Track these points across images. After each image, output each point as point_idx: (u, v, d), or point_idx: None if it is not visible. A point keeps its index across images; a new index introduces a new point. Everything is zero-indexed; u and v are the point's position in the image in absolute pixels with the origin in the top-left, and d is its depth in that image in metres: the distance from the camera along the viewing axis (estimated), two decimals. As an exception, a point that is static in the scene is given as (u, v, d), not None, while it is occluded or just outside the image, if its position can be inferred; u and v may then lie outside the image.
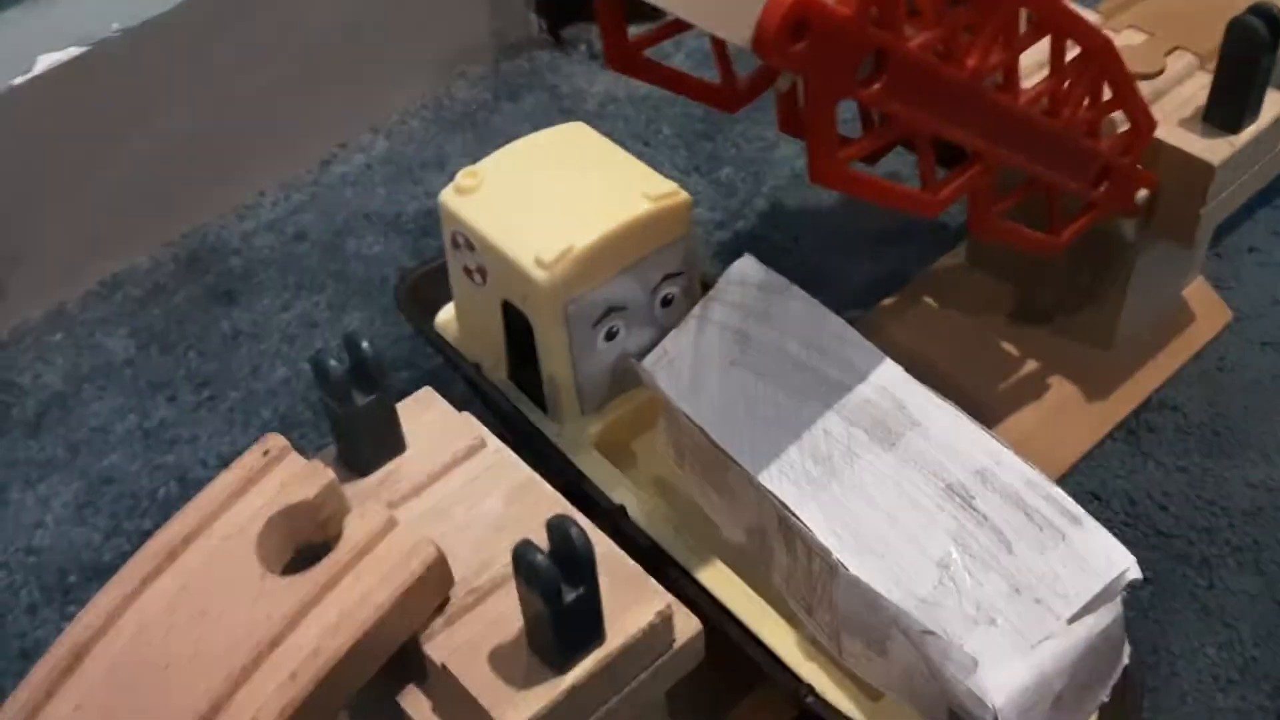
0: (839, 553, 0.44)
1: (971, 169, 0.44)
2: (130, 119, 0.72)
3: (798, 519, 0.45)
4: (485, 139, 0.84)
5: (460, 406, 0.65)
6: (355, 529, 0.40)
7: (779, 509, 0.46)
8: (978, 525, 0.43)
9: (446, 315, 0.61)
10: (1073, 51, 0.45)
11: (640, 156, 0.82)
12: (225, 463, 0.64)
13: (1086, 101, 0.47)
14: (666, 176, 0.80)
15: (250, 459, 0.42)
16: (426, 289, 0.61)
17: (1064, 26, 0.43)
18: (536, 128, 0.85)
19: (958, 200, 0.44)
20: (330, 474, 0.41)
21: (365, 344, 0.43)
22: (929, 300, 0.68)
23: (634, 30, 0.45)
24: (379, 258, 0.75)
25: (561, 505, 0.45)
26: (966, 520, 0.44)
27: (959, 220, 0.70)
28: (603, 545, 0.43)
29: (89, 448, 0.66)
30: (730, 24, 0.34)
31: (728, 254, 0.75)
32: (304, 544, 0.42)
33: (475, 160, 0.57)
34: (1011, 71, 0.42)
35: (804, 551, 0.46)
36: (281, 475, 0.42)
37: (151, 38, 0.70)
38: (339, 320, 0.72)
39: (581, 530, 0.36)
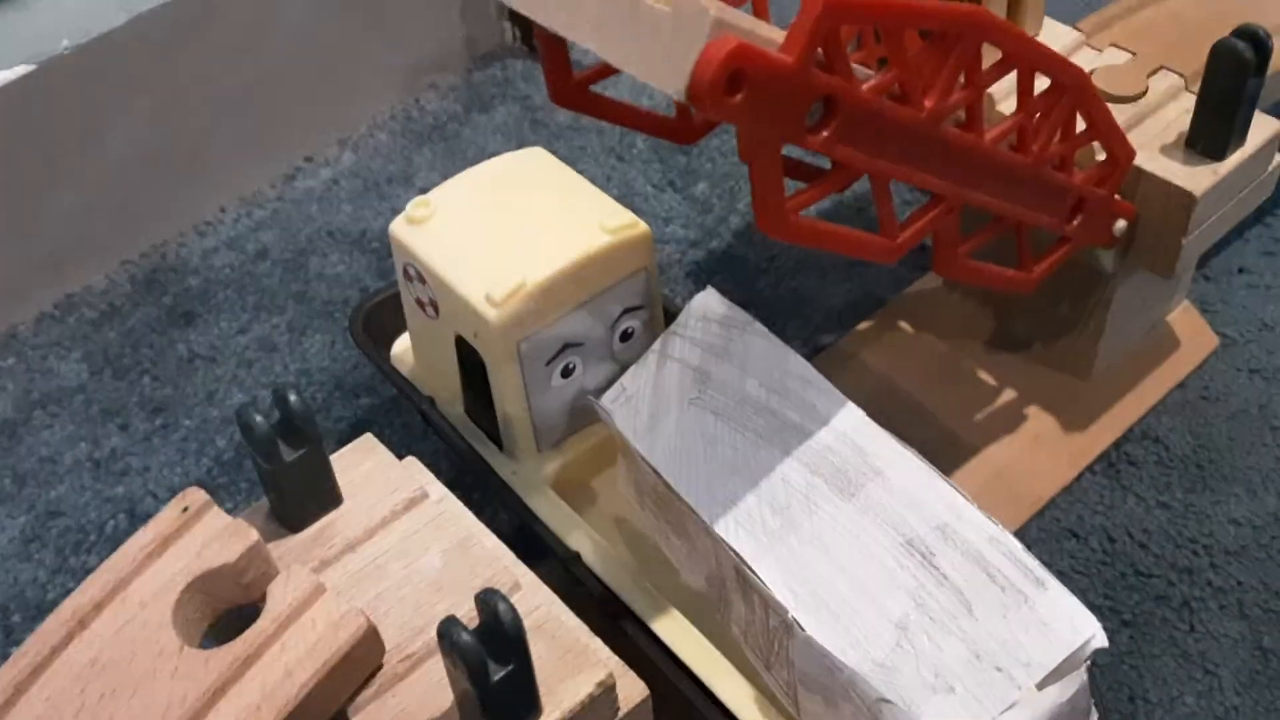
0: (795, 611, 0.42)
1: (933, 210, 0.41)
2: (84, 137, 0.70)
3: (754, 573, 0.43)
4: (455, 152, 0.81)
5: (419, 439, 0.64)
6: (280, 596, 0.38)
7: (736, 560, 0.44)
8: (938, 585, 0.41)
9: (403, 345, 0.59)
10: (1042, 83, 0.43)
11: (613, 171, 0.81)
12: (175, 493, 0.62)
13: (1058, 135, 0.45)
14: (639, 193, 0.79)
15: (168, 516, 0.40)
16: (382, 317, 0.59)
17: (1031, 60, 0.41)
18: (508, 140, 0.83)
19: (918, 244, 0.42)
20: (254, 535, 0.39)
21: (293, 397, 0.41)
22: (905, 325, 0.66)
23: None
24: (342, 278, 0.73)
25: (503, 563, 0.43)
26: (926, 579, 0.42)
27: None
28: (543, 608, 0.41)
29: (36, 479, 0.64)
30: (663, 74, 0.32)
31: (701, 273, 0.73)
32: (226, 609, 0.40)
33: (444, 175, 0.55)
34: (975, 109, 0.40)
35: (761, 605, 0.44)
36: (202, 534, 0.40)
37: (103, 53, 0.68)
38: (299, 343, 0.70)
39: (510, 607, 0.34)
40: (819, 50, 0.33)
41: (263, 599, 0.39)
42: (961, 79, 0.39)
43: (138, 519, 0.61)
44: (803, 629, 0.41)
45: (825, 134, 0.35)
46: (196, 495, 0.41)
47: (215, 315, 0.71)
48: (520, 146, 0.56)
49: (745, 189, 0.77)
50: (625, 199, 0.77)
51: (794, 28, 0.32)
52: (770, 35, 0.33)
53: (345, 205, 0.78)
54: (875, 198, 0.39)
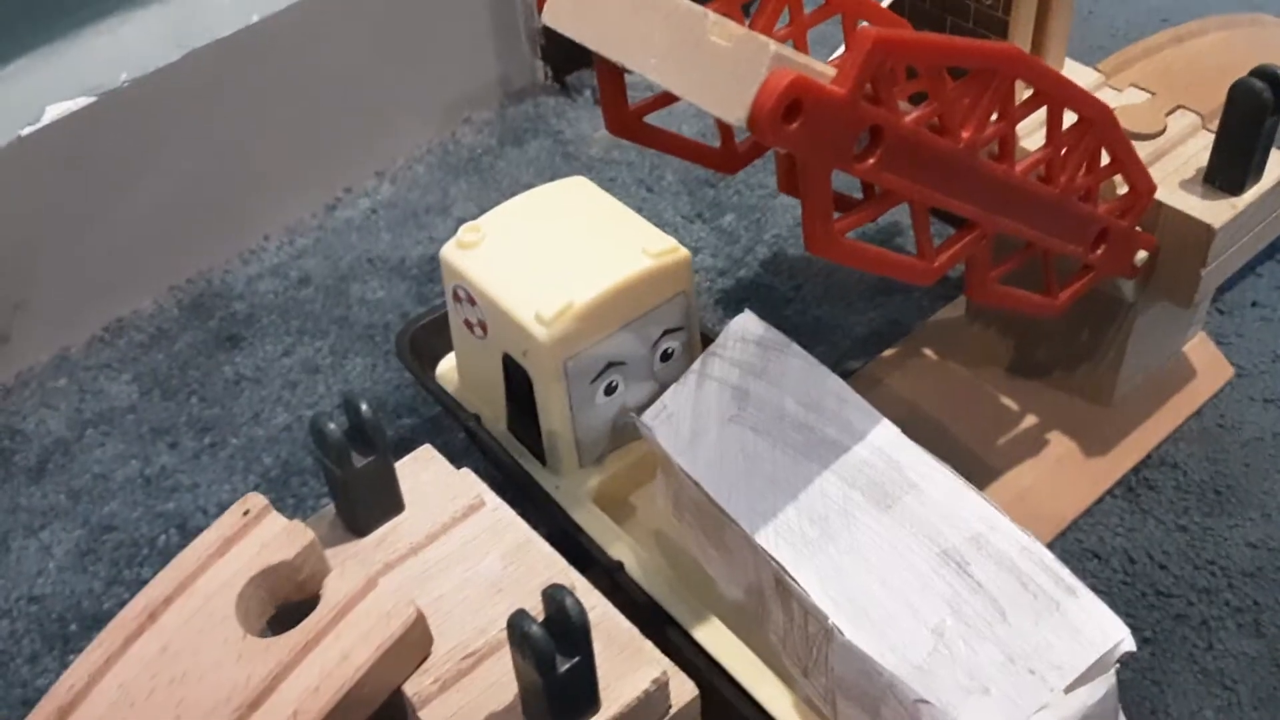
0: (835, 617, 0.44)
1: (968, 236, 0.44)
2: (137, 166, 0.72)
3: (794, 581, 0.45)
4: (490, 184, 0.84)
5: (461, 456, 0.66)
6: (335, 589, 0.40)
7: (776, 570, 0.46)
8: (972, 592, 0.43)
9: (447, 365, 0.61)
10: (1070, 118, 0.46)
11: (643, 203, 0.83)
12: (225, 510, 0.65)
13: (1084, 168, 0.47)
14: (669, 223, 0.82)
15: (230, 519, 0.42)
16: (427, 338, 0.61)
17: (1060, 97, 0.43)
18: (540, 173, 0.86)
19: (954, 267, 0.44)
20: (310, 534, 0.41)
21: (364, 406, 0.43)
22: (929, 352, 0.69)
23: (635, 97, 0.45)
24: (382, 303, 0.76)
25: (559, 566, 0.45)
26: (961, 587, 0.44)
27: (960, 270, 0.71)
28: (599, 608, 0.43)
29: (90, 495, 0.66)
30: (725, 104, 0.34)
31: (730, 302, 0.75)
32: (285, 603, 0.42)
33: (479, 205, 0.57)
34: (1007, 141, 0.42)
35: (800, 613, 0.46)
36: (261, 536, 0.42)
37: (158, 87, 0.70)
38: (341, 366, 0.72)
39: (576, 601, 0.36)
40: (867, 84, 0.36)
41: (319, 593, 0.41)
42: (995, 113, 0.42)
43: (188, 533, 0.64)
44: (842, 634, 0.43)
45: (871, 161, 0.37)
46: (257, 500, 0.43)
47: (260, 339, 0.74)
48: (552, 179, 0.59)
49: (771, 220, 0.80)
50: (656, 230, 0.80)
51: (845, 62, 0.35)
52: (822, 69, 0.35)
53: (384, 234, 0.81)
54: (914, 222, 0.41)
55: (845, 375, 0.69)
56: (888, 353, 0.69)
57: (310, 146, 0.81)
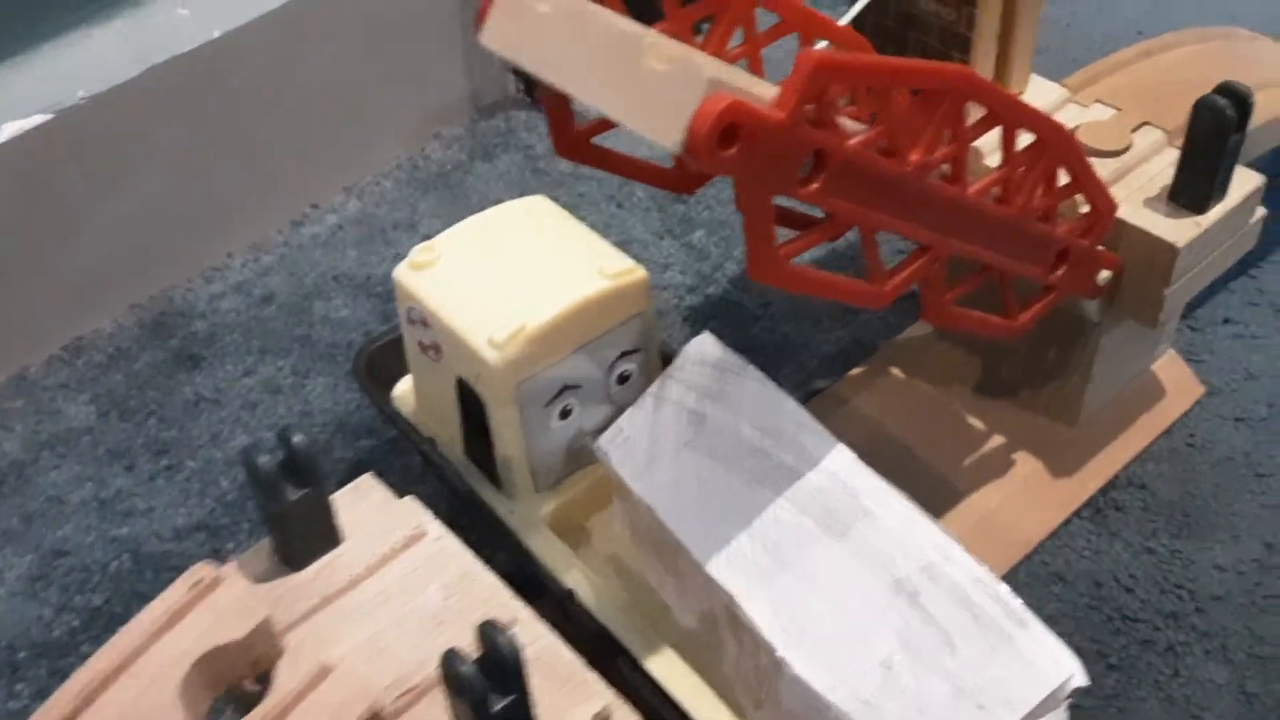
0: (784, 649, 0.43)
1: (920, 259, 0.43)
2: (97, 184, 0.71)
3: (745, 612, 0.44)
4: (459, 200, 0.83)
5: (421, 479, 0.65)
6: (287, 676, 0.39)
7: (727, 599, 0.45)
8: (923, 623, 0.42)
9: (405, 387, 0.60)
10: (1026, 138, 0.45)
11: (612, 219, 0.83)
12: (179, 535, 0.64)
13: (1041, 188, 0.47)
14: (638, 239, 0.81)
15: (177, 591, 0.41)
16: (385, 359, 0.60)
17: (1013, 118, 0.43)
18: (510, 188, 0.85)
19: (906, 290, 0.43)
20: (262, 612, 0.40)
21: (298, 438, 0.42)
22: (895, 371, 0.68)
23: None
24: (346, 321, 0.75)
25: (502, 597, 0.44)
26: (913, 618, 0.43)
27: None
28: (540, 641, 0.42)
29: (44, 518, 0.65)
30: (661, 129, 0.33)
31: (698, 319, 0.74)
32: (233, 683, 0.41)
33: (447, 221, 0.56)
34: (959, 163, 0.41)
35: (751, 643, 0.45)
36: (211, 610, 0.40)
37: (118, 103, 0.70)
38: (303, 386, 0.71)
39: (510, 638, 0.35)
40: (810, 107, 0.35)
41: (270, 674, 0.40)
42: (947, 134, 0.41)
43: (141, 559, 0.62)
44: (791, 668, 0.42)
45: (815, 186, 0.36)
46: (206, 571, 0.42)
47: (221, 359, 0.73)
48: (522, 194, 0.58)
49: (740, 237, 0.79)
50: (624, 246, 0.79)
51: (786, 86, 0.34)
52: (763, 93, 0.34)
53: (350, 251, 0.80)
54: (864, 246, 0.41)
55: (812, 394, 0.69)
56: (854, 371, 0.68)
57: (277, 162, 0.80)
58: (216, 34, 0.72)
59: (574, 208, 0.81)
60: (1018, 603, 0.42)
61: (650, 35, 0.35)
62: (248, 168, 0.78)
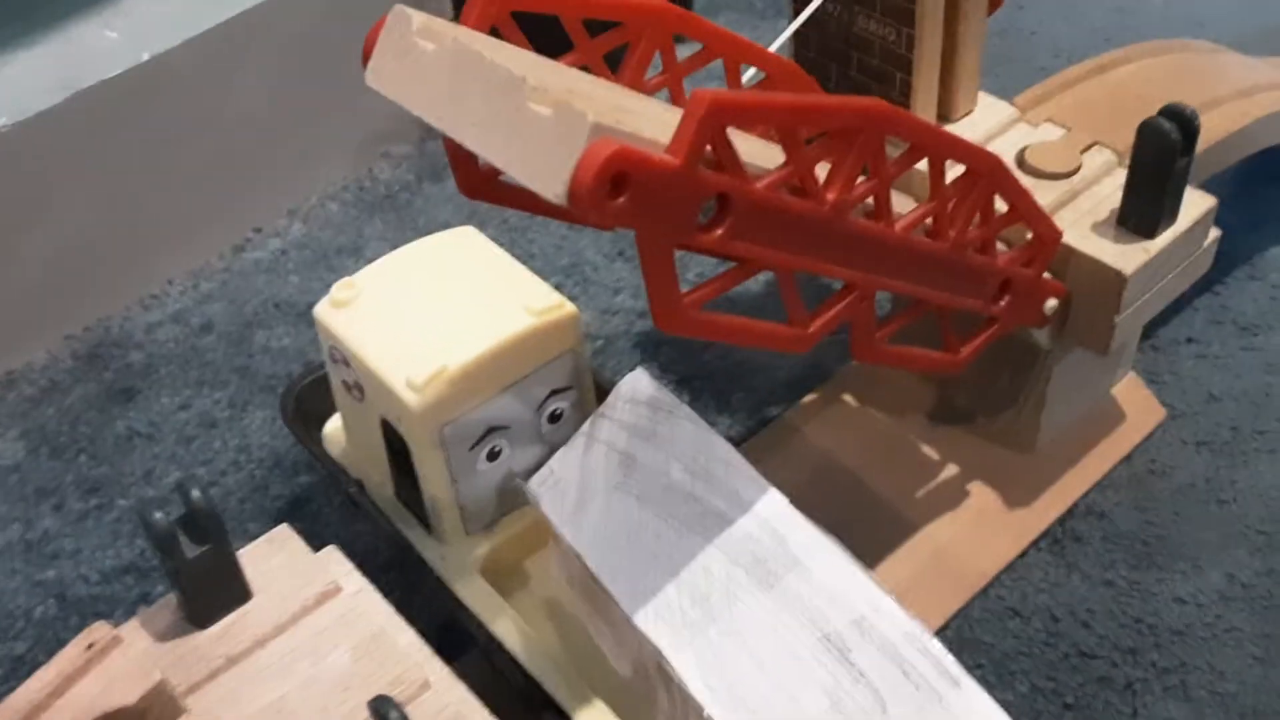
0: (711, 708, 0.41)
1: (846, 297, 0.41)
2: (26, 212, 0.69)
3: (672, 667, 0.42)
4: (406, 223, 0.81)
5: (359, 517, 0.63)
6: None
7: (655, 652, 0.43)
8: (854, 682, 0.40)
9: (335, 425, 0.58)
10: (956, 170, 0.43)
11: (564, 241, 0.81)
12: (108, 578, 0.62)
13: (977, 218, 0.45)
14: (589, 262, 0.79)
15: (71, 652, 0.39)
16: (315, 396, 0.58)
17: (939, 150, 0.41)
18: (459, 210, 0.83)
19: (832, 332, 0.41)
20: (157, 675, 0.38)
21: (196, 493, 0.40)
22: (849, 398, 0.66)
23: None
24: (287, 351, 0.73)
25: (414, 659, 0.42)
26: (843, 676, 0.41)
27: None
28: (452, 708, 0.40)
29: (-33, 562, 0.63)
30: (544, 178, 0.31)
31: (648, 345, 0.72)
32: None
33: (394, 245, 0.54)
34: (880, 199, 0.39)
35: (680, 699, 0.43)
36: (106, 674, 0.38)
37: (44, 130, 0.67)
38: (240, 419, 0.69)
39: (402, 716, 0.34)
40: (709, 148, 0.33)
41: None
42: (868, 170, 0.39)
43: (68, 604, 0.60)
44: None
45: (719, 232, 0.34)
46: (103, 631, 0.40)
47: (156, 391, 0.71)
48: (472, 216, 0.56)
49: (694, 260, 0.77)
50: (575, 268, 0.77)
51: (679, 130, 0.32)
52: (655, 137, 0.32)
53: (293, 276, 0.77)
54: (781, 289, 0.39)
55: (766, 421, 0.67)
56: (808, 399, 0.67)
57: (216, 186, 0.78)
58: (146, 57, 0.70)
59: (524, 230, 0.79)
60: (950, 659, 0.40)
61: (532, 79, 0.32)
62: (186, 192, 0.76)
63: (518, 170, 0.32)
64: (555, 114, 0.31)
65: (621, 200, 0.31)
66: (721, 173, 0.33)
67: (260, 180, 0.80)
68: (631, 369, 0.50)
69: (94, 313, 0.75)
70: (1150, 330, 0.69)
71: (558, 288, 0.51)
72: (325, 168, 0.84)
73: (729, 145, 0.33)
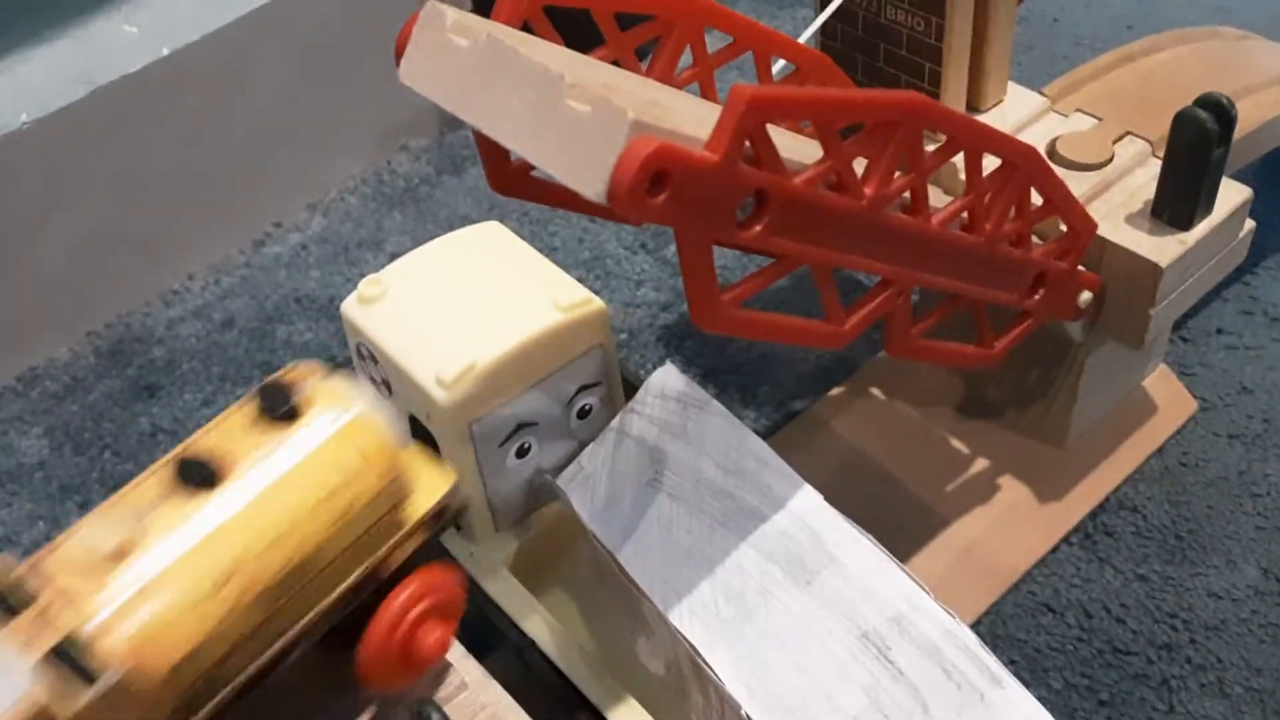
0: (748, 706, 0.41)
1: (883, 293, 0.40)
2: (47, 209, 0.69)
3: (708, 665, 0.42)
4: (426, 216, 0.81)
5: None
6: None
7: (689, 650, 0.43)
8: (893, 680, 0.40)
9: (361, 422, 0.58)
10: (993, 162, 0.42)
11: (585, 234, 0.80)
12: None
13: (1012, 212, 0.44)
14: (611, 255, 0.78)
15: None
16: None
17: (976, 143, 0.40)
18: (479, 203, 0.83)
19: (868, 329, 0.41)
20: None
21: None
22: (876, 391, 0.65)
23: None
24: (309, 346, 0.72)
25: (450, 657, 0.42)
26: (881, 674, 0.40)
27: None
28: (490, 709, 0.40)
29: (-7, 560, 0.62)
30: (583, 176, 0.31)
31: (673, 337, 0.72)
32: None
33: (414, 239, 0.54)
34: (918, 194, 0.39)
35: (716, 697, 0.43)
36: None
37: (64, 126, 0.67)
38: (263, 415, 0.69)
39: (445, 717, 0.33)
40: (748, 144, 0.32)
41: None
42: (906, 164, 0.38)
43: (94, 601, 0.60)
44: None
45: (758, 228, 0.34)
46: None
47: (179, 387, 0.70)
48: (492, 209, 0.56)
49: (718, 251, 0.76)
50: (597, 262, 0.77)
51: (718, 126, 0.31)
52: (695, 134, 0.32)
53: (314, 271, 0.77)
54: (818, 285, 0.38)
55: (791, 415, 0.66)
56: (834, 391, 0.66)
57: (236, 181, 0.78)
58: (166, 51, 0.70)
59: (546, 223, 0.79)
60: (991, 658, 0.40)
61: (571, 74, 0.32)
62: (207, 186, 0.76)
63: (555, 168, 0.31)
64: (594, 111, 0.30)
65: (661, 198, 0.30)
66: (760, 168, 0.33)
67: (280, 174, 0.80)
68: (657, 363, 0.50)
69: (115, 309, 0.75)
70: (1180, 322, 0.68)
71: (579, 281, 0.50)
72: (344, 161, 0.83)
73: (768, 141, 0.32)
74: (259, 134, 0.77)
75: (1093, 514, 0.60)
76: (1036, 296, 0.48)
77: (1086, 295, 0.51)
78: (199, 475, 0.35)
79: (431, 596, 0.39)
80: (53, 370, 0.72)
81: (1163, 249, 0.51)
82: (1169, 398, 0.64)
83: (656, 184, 0.30)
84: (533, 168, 0.41)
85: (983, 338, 0.48)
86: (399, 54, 0.36)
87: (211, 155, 0.75)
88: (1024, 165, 0.42)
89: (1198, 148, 0.49)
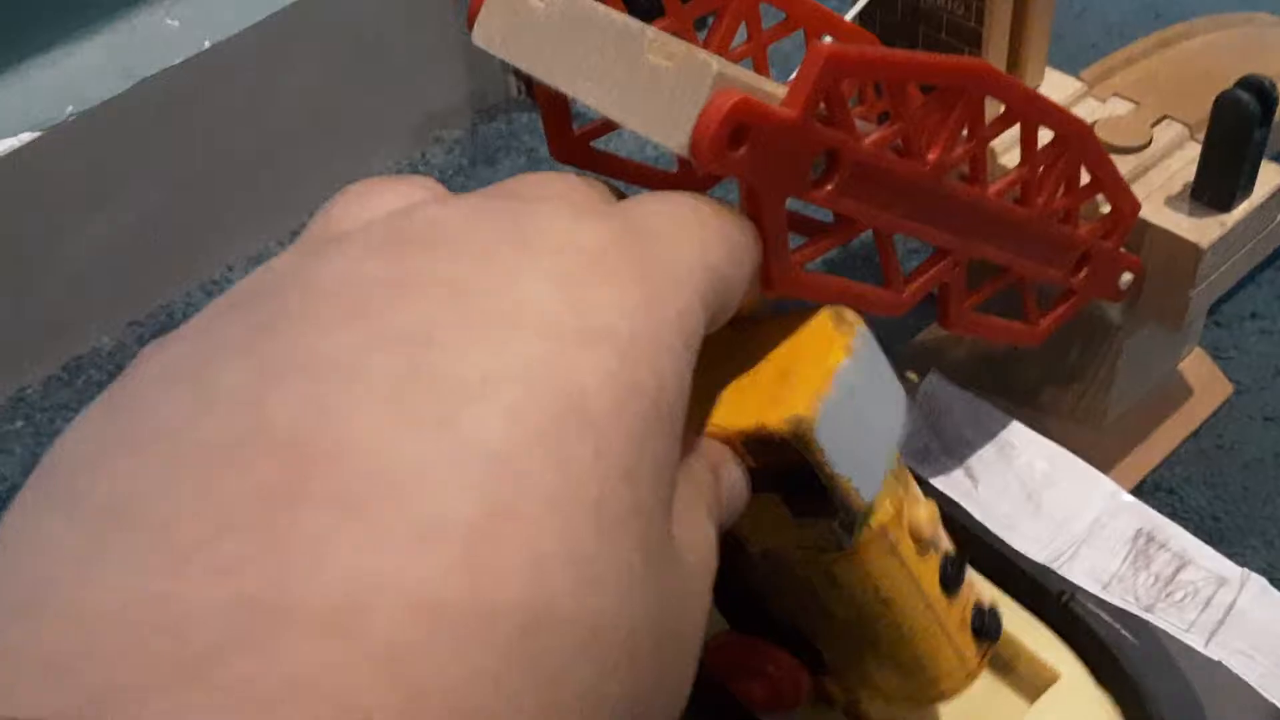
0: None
1: (939, 262, 0.41)
2: (90, 201, 0.70)
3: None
4: (460, 208, 0.81)
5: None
6: None
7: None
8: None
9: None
10: (1045, 136, 0.43)
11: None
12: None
13: (1062, 188, 0.45)
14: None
15: None
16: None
17: (1033, 114, 0.41)
18: (512, 196, 0.83)
19: (926, 297, 0.41)
20: None
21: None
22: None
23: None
24: (347, 335, 0.73)
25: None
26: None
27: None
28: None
29: (40, 543, 0.63)
30: (666, 129, 0.31)
31: (707, 327, 0.72)
32: None
33: None
34: (978, 162, 0.39)
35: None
36: None
37: (107, 119, 0.68)
38: (304, 402, 0.69)
39: None
40: (822, 104, 0.33)
41: None
42: (964, 133, 0.39)
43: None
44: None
45: (829, 188, 0.34)
46: None
47: (220, 375, 0.71)
48: (524, 200, 0.56)
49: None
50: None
51: (796, 82, 0.32)
52: (773, 90, 0.32)
53: (351, 263, 0.78)
54: (880, 251, 0.39)
55: (827, 401, 0.67)
56: (870, 377, 0.66)
57: (274, 172, 0.78)
58: (207, 44, 0.71)
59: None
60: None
61: (651, 31, 0.33)
62: (245, 177, 0.77)
63: (636, 122, 0.32)
64: (677, 64, 0.31)
65: (741, 151, 0.31)
66: (833, 128, 0.34)
67: (316, 165, 0.80)
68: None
69: (156, 299, 0.76)
70: (1215, 306, 0.69)
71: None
72: (378, 153, 0.84)
73: (843, 100, 0.33)
74: (296, 126, 0.78)
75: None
76: (1081, 275, 0.49)
77: (1127, 276, 0.52)
78: None
79: None
80: (97, 359, 0.73)
81: (1203, 230, 0.51)
82: (1205, 381, 0.65)
83: (736, 138, 0.31)
84: (595, 136, 0.41)
85: (1029, 315, 0.48)
86: (471, 18, 0.36)
87: (250, 147, 0.76)
88: (1077, 139, 0.43)
89: (1239, 128, 0.50)
